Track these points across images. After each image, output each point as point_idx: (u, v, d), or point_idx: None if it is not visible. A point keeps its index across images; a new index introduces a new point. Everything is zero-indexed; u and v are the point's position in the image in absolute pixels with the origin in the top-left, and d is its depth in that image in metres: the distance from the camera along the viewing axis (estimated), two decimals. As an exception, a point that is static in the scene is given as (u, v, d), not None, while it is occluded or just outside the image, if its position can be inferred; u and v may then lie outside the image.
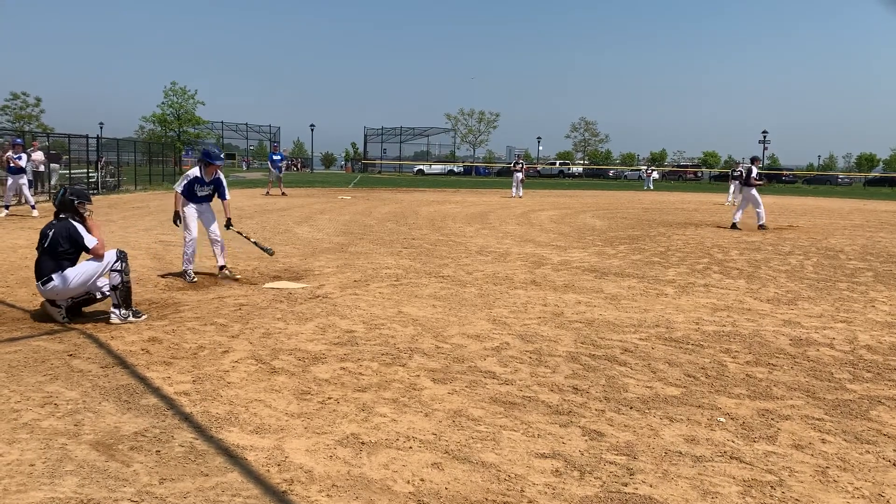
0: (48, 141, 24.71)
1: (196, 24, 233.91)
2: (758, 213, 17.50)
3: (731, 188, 29.61)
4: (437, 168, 75.29)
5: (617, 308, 7.43)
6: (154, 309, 6.91)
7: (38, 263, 6.24)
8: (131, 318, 6.24)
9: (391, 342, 5.84)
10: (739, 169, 31.12)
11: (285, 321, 6.47)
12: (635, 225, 17.97)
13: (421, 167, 75.01)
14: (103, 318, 6.30)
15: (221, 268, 8.70)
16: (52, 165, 25.52)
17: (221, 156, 8.72)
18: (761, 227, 17.20)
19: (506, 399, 4.53)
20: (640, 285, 8.88)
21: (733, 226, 17.32)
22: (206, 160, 8.49)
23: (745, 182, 17.79)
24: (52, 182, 24.35)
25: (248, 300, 7.38)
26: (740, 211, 17.80)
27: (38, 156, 23.25)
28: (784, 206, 29.58)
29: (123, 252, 6.44)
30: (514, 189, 30.82)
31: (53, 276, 6.09)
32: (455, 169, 75.86)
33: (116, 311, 6.20)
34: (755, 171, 17.79)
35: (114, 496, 3.12)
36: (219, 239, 8.64)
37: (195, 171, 8.48)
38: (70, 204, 6.36)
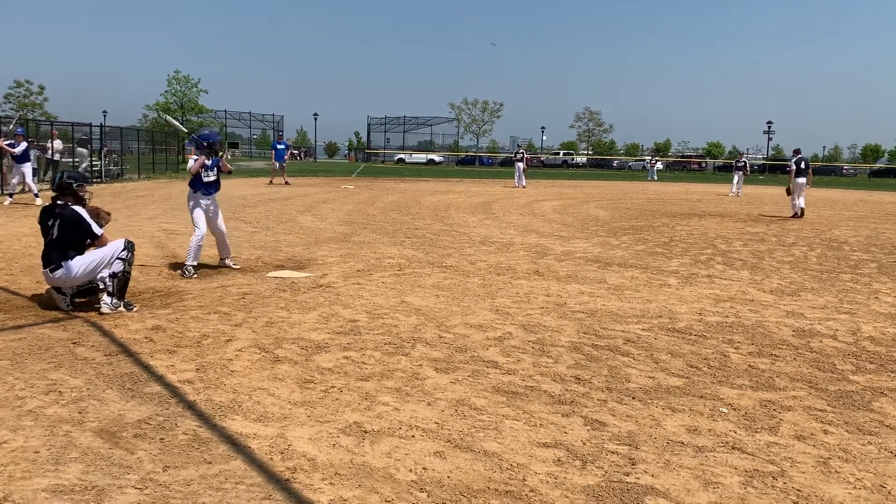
0: (51, 129, 24.69)
1: (199, 12, 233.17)
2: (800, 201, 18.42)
3: (735, 179, 29.56)
4: (418, 157, 73.78)
5: (620, 298, 7.43)
6: (157, 297, 6.92)
7: (46, 251, 6.25)
8: (122, 309, 6.21)
9: (394, 331, 5.85)
10: (744, 160, 31.17)
11: (288, 310, 6.48)
12: (639, 215, 17.95)
13: (401, 156, 74.27)
14: (98, 306, 6.26)
15: (223, 259, 8.73)
16: (79, 150, 25.75)
17: (215, 155, 8.48)
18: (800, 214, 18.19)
19: (508, 388, 4.54)
20: (644, 276, 8.87)
21: (802, 212, 18.22)
22: (203, 143, 8.38)
23: (805, 173, 18.51)
24: (83, 167, 24.64)
25: (252, 289, 7.39)
26: (801, 199, 18.46)
27: (58, 144, 23.36)
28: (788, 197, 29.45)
29: (131, 242, 6.44)
30: (516, 179, 30.82)
31: (62, 263, 6.10)
32: (436, 159, 74.36)
33: (108, 301, 6.16)
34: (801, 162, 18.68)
35: (118, 483, 3.14)
36: (223, 230, 8.65)
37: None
38: (69, 187, 6.35)
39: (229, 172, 8.78)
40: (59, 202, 6.32)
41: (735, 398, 4.49)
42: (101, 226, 6.78)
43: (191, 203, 8.40)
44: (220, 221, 8.61)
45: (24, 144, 16.87)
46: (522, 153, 32.56)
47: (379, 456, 3.50)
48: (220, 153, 8.55)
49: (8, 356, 4.89)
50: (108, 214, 6.98)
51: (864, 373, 5.08)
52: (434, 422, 3.96)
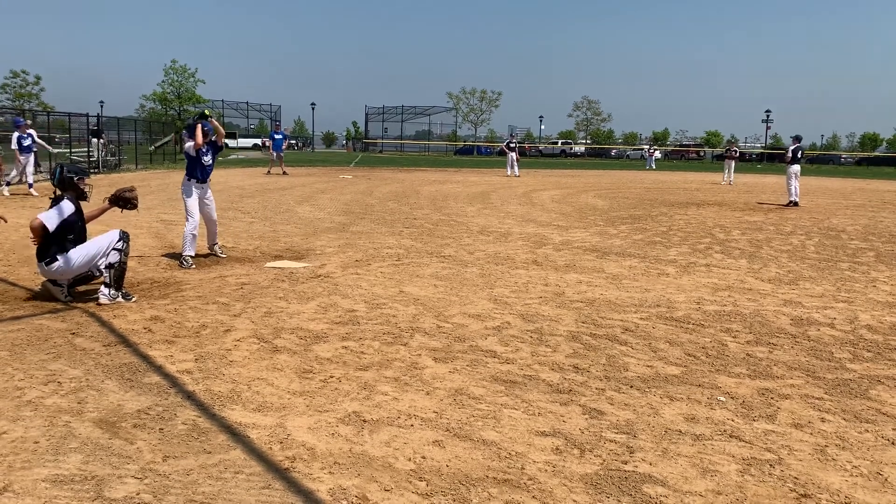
0: (48, 119, 24.63)
1: (197, 1, 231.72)
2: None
3: (726, 168, 29.80)
4: (244, 143, 72.36)
5: (618, 288, 7.44)
6: (156, 288, 6.92)
7: (40, 244, 6.23)
8: (120, 299, 6.21)
9: (392, 321, 5.85)
10: (735, 148, 31.57)
11: (287, 300, 6.48)
12: (637, 205, 17.94)
13: (229, 142, 73.51)
14: (96, 297, 6.24)
15: (212, 245, 8.74)
16: (94, 141, 25.88)
17: (204, 118, 8.51)
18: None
19: (507, 378, 4.55)
20: (642, 265, 8.88)
21: (795, 203, 18.47)
22: (194, 127, 8.41)
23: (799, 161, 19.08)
24: (94, 157, 24.86)
25: (250, 279, 7.39)
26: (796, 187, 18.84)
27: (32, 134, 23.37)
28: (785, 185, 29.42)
29: (126, 233, 6.42)
30: (509, 168, 30.86)
31: (58, 256, 6.09)
32: (258, 143, 70.91)
33: (106, 292, 6.16)
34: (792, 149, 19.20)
35: (118, 473, 3.15)
36: (214, 219, 8.69)
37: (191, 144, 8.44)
38: (70, 181, 6.34)
39: (222, 147, 8.77)
40: (59, 195, 6.32)
41: (733, 387, 4.50)
42: (131, 207, 6.79)
43: (184, 191, 8.42)
44: (213, 209, 8.64)
45: (31, 133, 17.05)
46: (515, 143, 32.59)
47: (378, 445, 3.51)
48: (208, 115, 8.57)
49: (7, 347, 4.89)
50: (133, 190, 6.95)
51: (861, 361, 5.10)
52: (433, 411, 3.97)
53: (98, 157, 26.39)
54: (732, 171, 29.75)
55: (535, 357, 5.00)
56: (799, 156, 19.02)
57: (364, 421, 3.80)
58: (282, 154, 27.98)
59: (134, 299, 6.32)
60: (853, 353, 5.30)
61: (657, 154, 56.38)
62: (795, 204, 18.42)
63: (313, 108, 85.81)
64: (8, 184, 16.74)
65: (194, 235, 8.21)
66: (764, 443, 3.66)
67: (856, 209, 18.20)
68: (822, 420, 3.99)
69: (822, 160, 66.91)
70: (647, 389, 4.41)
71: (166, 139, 36.94)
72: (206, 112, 8.64)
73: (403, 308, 6.31)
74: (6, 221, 6.17)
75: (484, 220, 13.64)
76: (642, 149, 67.34)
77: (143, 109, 59.07)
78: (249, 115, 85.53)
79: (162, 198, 16.28)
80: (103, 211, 6.82)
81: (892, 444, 3.70)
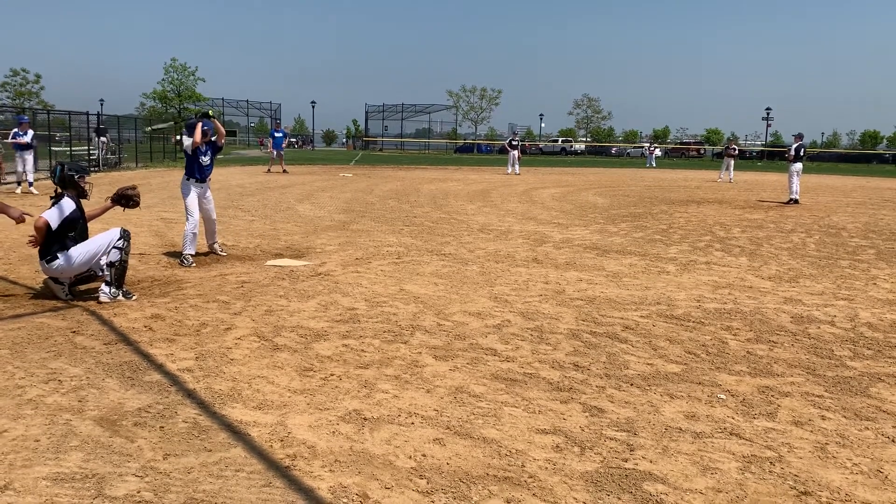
0: (48, 118, 24.60)
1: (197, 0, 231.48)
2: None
3: (724, 165, 29.86)
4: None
5: (618, 285, 7.44)
6: (156, 286, 6.92)
7: (42, 242, 6.24)
8: (121, 298, 6.21)
9: (393, 319, 5.85)
10: (734, 146, 31.71)
11: (287, 298, 6.49)
12: (637, 202, 17.93)
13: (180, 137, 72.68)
14: (97, 295, 6.24)
15: (212, 244, 8.75)
16: (97, 139, 25.98)
17: (206, 118, 8.50)
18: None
19: (507, 376, 4.55)
20: (642, 263, 8.88)
21: (795, 201, 18.50)
22: (195, 126, 8.39)
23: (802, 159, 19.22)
24: (94, 155, 24.91)
25: (251, 277, 7.39)
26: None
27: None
28: (786, 183, 29.39)
29: (127, 231, 6.42)
30: (509, 166, 30.88)
31: (59, 254, 6.09)
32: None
33: (106, 290, 6.16)
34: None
35: (118, 471, 3.15)
36: (213, 217, 8.69)
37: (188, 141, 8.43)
38: (70, 179, 6.36)
39: (221, 147, 8.76)
40: (60, 193, 6.33)
41: (733, 384, 4.50)
42: (133, 205, 6.87)
43: (184, 190, 8.42)
44: (212, 208, 8.65)
45: (30, 132, 17.07)
46: (517, 141, 32.61)
47: (378, 443, 3.51)
48: (211, 115, 8.55)
49: (7, 345, 4.89)
50: (135, 188, 6.99)
51: (861, 359, 5.10)
52: (433, 409, 3.98)
53: (98, 156, 26.41)
54: (732, 168, 29.79)
55: (536, 355, 5.00)
56: (801, 154, 19.11)
57: (364, 419, 3.81)
58: (282, 152, 27.95)
59: (134, 297, 6.32)
60: (853, 350, 5.30)
61: (657, 152, 56.32)
62: (796, 202, 18.44)
63: (313, 107, 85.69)
64: (19, 183, 16.90)
65: (194, 234, 8.21)
66: (764, 440, 3.66)
67: (856, 207, 18.20)
68: (823, 418, 4.00)
69: (820, 158, 66.87)
70: (648, 387, 4.41)
71: (165, 124, 36.81)
72: (210, 112, 8.63)
73: (404, 306, 6.31)
74: (31, 216, 6.22)
75: (484, 218, 13.64)
76: (643, 146, 67.27)
77: (143, 108, 59.09)
78: (249, 113, 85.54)
79: (163, 196, 16.28)
80: (105, 209, 6.87)
81: (893, 441, 3.70)
